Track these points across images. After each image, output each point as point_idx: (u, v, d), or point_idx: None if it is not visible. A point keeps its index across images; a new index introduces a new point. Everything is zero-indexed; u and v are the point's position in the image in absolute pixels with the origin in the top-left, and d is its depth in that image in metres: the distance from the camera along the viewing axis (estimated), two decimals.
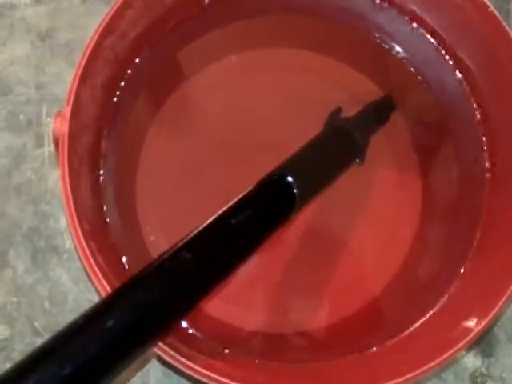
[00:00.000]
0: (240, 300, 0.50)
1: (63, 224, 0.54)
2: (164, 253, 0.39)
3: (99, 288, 0.40)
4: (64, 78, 0.57)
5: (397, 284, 0.51)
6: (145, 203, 0.51)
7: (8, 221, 0.54)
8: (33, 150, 0.56)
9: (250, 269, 0.51)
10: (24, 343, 0.51)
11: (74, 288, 0.53)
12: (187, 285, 0.38)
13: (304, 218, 0.52)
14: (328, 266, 0.52)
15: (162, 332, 0.38)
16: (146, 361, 0.51)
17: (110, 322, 0.34)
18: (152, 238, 0.51)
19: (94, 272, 0.40)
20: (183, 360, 0.40)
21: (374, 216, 0.53)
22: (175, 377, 0.51)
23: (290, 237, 0.52)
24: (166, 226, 0.51)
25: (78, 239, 0.40)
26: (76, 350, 0.33)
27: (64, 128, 0.42)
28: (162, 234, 0.51)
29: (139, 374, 0.51)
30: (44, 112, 0.57)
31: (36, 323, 0.52)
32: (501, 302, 0.42)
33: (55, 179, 0.55)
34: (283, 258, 0.52)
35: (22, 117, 0.56)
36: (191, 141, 0.54)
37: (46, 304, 0.53)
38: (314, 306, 0.51)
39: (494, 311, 0.42)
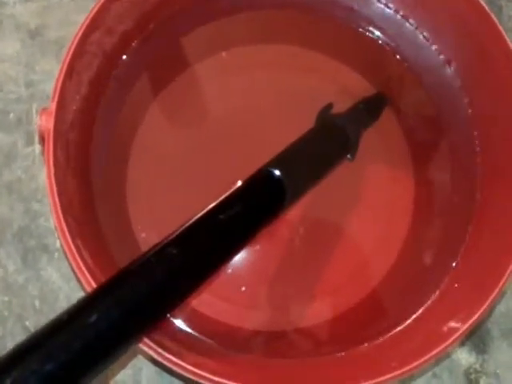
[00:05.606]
0: (238, 298, 0.50)
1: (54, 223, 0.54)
2: (151, 248, 0.38)
3: (84, 283, 0.39)
4: (54, 76, 0.55)
5: (391, 280, 0.51)
6: (136, 200, 0.51)
7: None
8: (23, 148, 0.55)
9: (248, 266, 0.51)
10: (15, 342, 0.51)
11: (65, 287, 0.53)
12: (173, 280, 0.38)
13: (299, 215, 0.52)
14: (322, 262, 0.52)
15: (147, 328, 0.38)
16: (134, 355, 0.51)
17: (94, 317, 0.33)
18: (143, 235, 0.50)
19: (79, 267, 0.39)
20: (171, 357, 0.39)
21: (366, 212, 0.53)
22: (167, 376, 0.51)
23: (285, 233, 0.52)
24: (158, 223, 0.50)
25: (63, 235, 0.40)
26: (58, 346, 0.32)
27: (49, 124, 0.42)
28: (154, 231, 0.50)
29: (131, 372, 0.51)
30: (34, 110, 0.56)
31: (27, 322, 0.52)
32: (492, 296, 0.42)
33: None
34: (279, 256, 0.51)
35: (12, 115, 0.56)
36: (183, 137, 0.54)
37: (37, 303, 0.52)
38: (309, 302, 0.51)
39: (486, 305, 0.42)
